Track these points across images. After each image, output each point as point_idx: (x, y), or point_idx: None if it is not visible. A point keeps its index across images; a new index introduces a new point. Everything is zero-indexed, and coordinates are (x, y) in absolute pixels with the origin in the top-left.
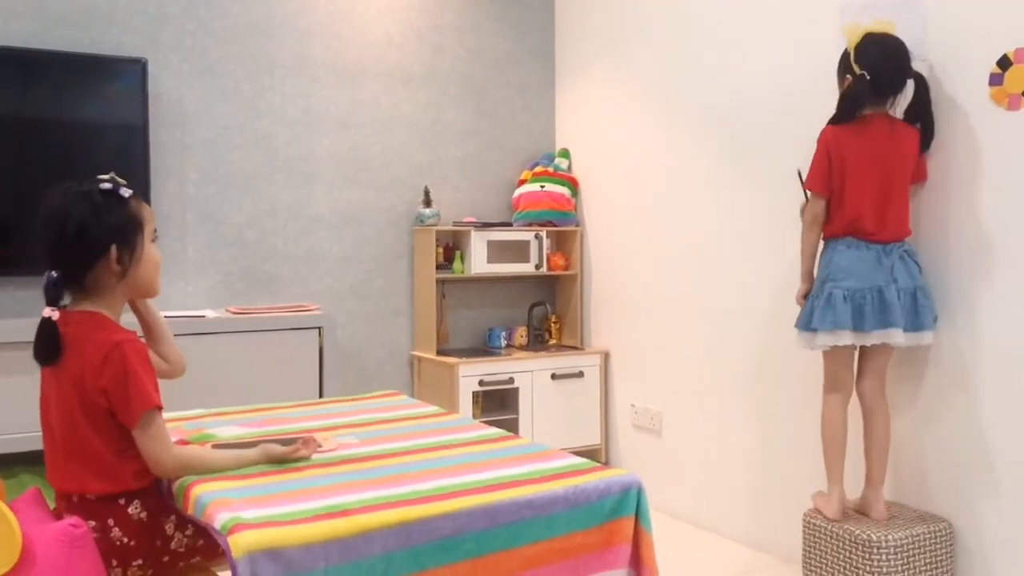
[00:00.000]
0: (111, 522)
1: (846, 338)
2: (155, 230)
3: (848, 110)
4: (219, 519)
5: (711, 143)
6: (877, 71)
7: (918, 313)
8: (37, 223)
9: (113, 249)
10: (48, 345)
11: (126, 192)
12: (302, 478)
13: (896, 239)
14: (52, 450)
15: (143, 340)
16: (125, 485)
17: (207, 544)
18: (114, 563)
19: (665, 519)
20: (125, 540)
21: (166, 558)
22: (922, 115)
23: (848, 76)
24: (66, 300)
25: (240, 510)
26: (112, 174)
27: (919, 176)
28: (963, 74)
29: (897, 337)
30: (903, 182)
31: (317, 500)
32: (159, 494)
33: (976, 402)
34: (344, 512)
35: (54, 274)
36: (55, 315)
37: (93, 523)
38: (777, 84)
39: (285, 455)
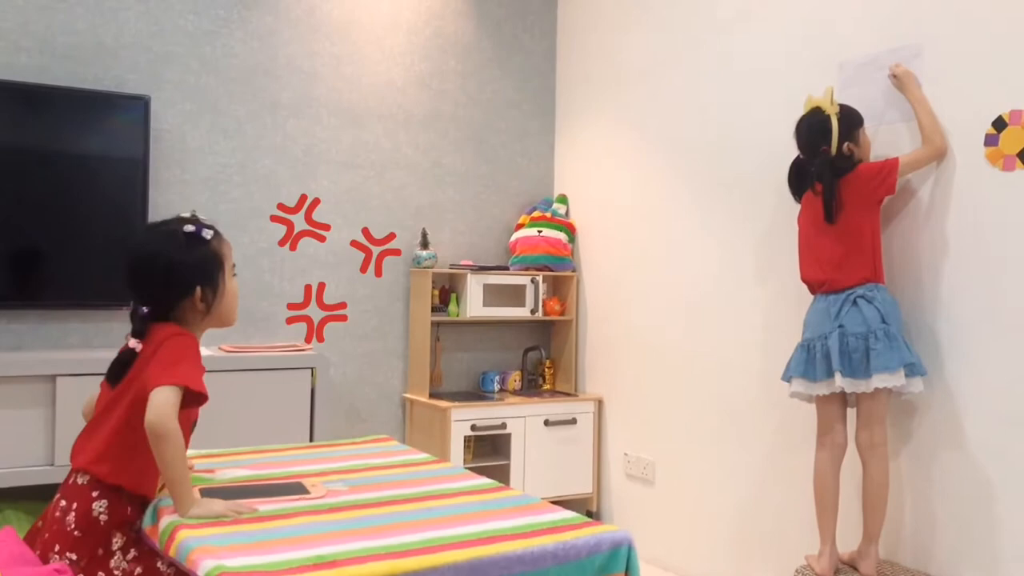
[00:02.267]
0: (74, 506)
1: (798, 385)
2: (234, 264)
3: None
4: (203, 567)
5: (709, 192)
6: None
7: (868, 358)
8: (124, 260)
9: (198, 289)
10: (122, 371)
11: (208, 234)
12: (290, 526)
13: (846, 287)
14: (85, 432)
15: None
16: (114, 478)
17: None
18: (57, 547)
19: (656, 571)
20: (71, 528)
21: (100, 574)
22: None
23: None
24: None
25: (225, 558)
26: (194, 213)
27: (880, 194)
28: (958, 134)
29: (837, 383)
30: (843, 232)
31: (304, 549)
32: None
33: (970, 458)
34: (331, 563)
35: (144, 309)
36: (139, 347)
37: (63, 502)
38: (776, 135)
39: (220, 512)
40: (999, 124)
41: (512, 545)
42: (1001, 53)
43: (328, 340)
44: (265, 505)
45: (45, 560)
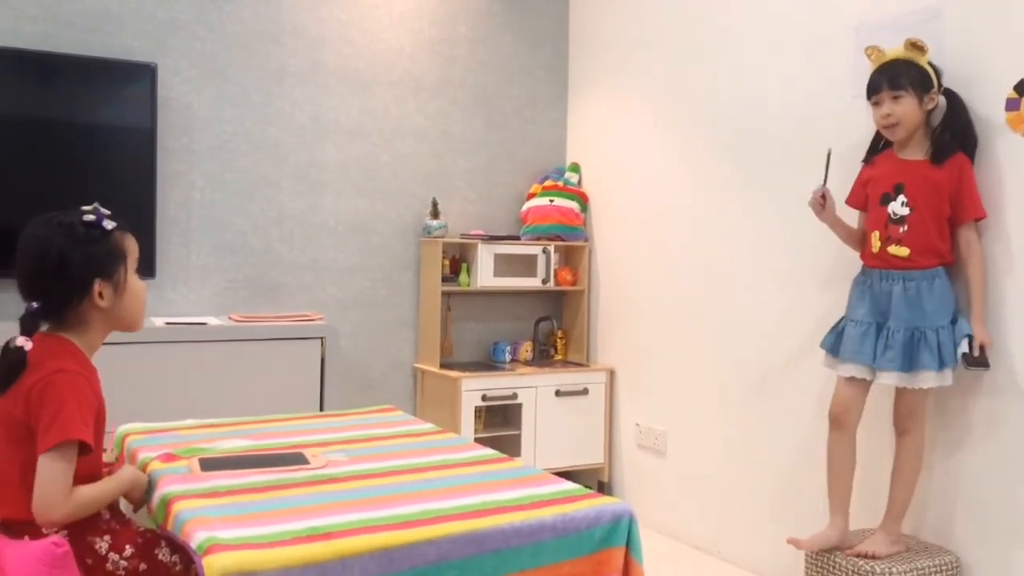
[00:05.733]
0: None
1: (854, 370)
2: (138, 259)
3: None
4: (196, 538)
5: (722, 159)
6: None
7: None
8: (17, 253)
9: (96, 284)
10: (9, 373)
11: (109, 224)
12: (286, 496)
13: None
14: None
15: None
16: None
17: (151, 569)
18: None
19: (666, 541)
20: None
21: None
22: None
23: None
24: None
25: (218, 529)
26: (96, 205)
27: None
28: (978, 99)
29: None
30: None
31: (299, 521)
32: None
33: (989, 434)
34: (325, 535)
35: (34, 305)
36: (28, 345)
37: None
38: (790, 99)
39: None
40: (1021, 88)
41: (510, 517)
42: (1023, 13)
43: (338, 310)
44: (263, 475)
45: None
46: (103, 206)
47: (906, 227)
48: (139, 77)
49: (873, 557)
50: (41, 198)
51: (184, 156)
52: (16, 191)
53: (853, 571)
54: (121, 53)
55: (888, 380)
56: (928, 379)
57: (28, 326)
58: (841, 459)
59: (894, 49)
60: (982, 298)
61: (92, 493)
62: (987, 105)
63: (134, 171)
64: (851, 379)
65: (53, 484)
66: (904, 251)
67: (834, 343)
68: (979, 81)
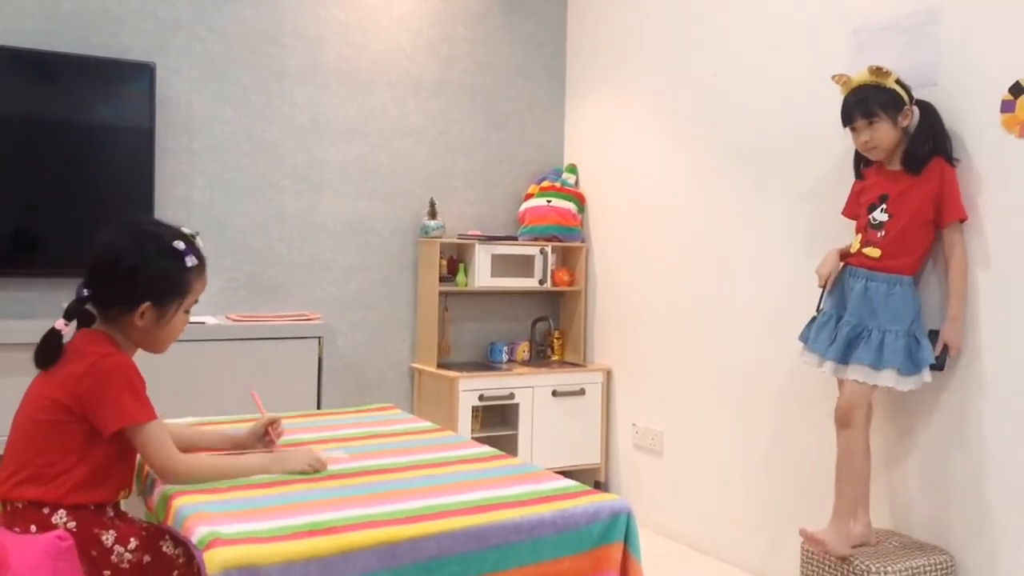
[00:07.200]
0: (33, 528)
1: (890, 379)
2: (197, 301)
3: None
4: (197, 533)
5: (720, 160)
6: None
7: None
8: (97, 242)
9: (144, 305)
10: (48, 353)
11: (191, 262)
12: (287, 492)
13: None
14: (7, 452)
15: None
16: (56, 497)
17: (155, 562)
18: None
19: (663, 541)
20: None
21: (107, 572)
22: None
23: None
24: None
25: (219, 524)
26: (196, 234)
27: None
28: (974, 100)
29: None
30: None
31: (300, 516)
32: (96, 511)
33: (980, 433)
34: (327, 530)
35: (85, 292)
36: (66, 329)
37: (17, 529)
38: (789, 100)
39: (300, 470)
40: (1016, 90)
41: (510, 513)
42: (1019, 16)
43: (336, 310)
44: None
45: None
46: (103, 206)
47: (883, 232)
48: (138, 76)
49: (822, 544)
50: (40, 197)
51: (183, 156)
52: (15, 191)
53: (849, 571)
54: (120, 52)
55: (827, 370)
56: (858, 372)
57: (72, 310)
58: (858, 457)
59: (859, 75)
60: (959, 299)
61: (205, 459)
62: (983, 107)
63: (133, 170)
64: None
65: (161, 450)
66: (876, 252)
67: (804, 332)
68: (975, 83)
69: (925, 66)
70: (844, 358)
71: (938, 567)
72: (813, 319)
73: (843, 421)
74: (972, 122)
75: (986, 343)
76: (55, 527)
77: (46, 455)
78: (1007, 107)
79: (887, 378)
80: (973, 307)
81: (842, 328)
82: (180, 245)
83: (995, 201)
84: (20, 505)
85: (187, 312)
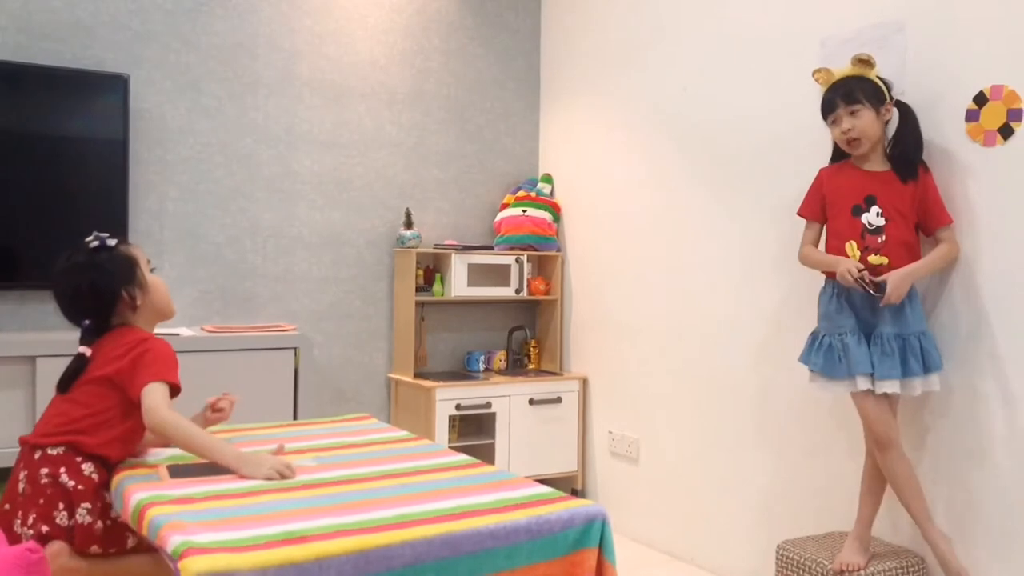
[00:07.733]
0: (63, 470)
1: (892, 387)
2: (149, 261)
3: None
4: (171, 543)
5: (694, 170)
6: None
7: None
8: (56, 297)
9: (123, 292)
10: (73, 375)
11: (112, 242)
12: (259, 503)
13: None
14: (48, 411)
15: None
16: (94, 445)
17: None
18: (60, 506)
19: (640, 548)
20: (74, 484)
21: (109, 521)
22: None
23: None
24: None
25: (193, 534)
26: (95, 233)
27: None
28: (939, 110)
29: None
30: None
31: (274, 525)
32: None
33: (951, 437)
34: (301, 539)
35: (87, 322)
36: (88, 352)
37: (46, 470)
38: (759, 111)
39: (266, 476)
40: (980, 99)
41: (485, 520)
42: (983, 27)
43: (311, 321)
44: (235, 482)
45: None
46: (76, 218)
47: (884, 237)
48: (112, 88)
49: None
50: (12, 210)
51: (157, 167)
52: None
53: (823, 574)
54: (93, 64)
55: (889, 388)
56: (917, 386)
57: (88, 338)
58: (911, 470)
59: (842, 68)
60: (928, 263)
61: (184, 423)
62: (948, 116)
63: (106, 182)
64: (882, 395)
65: (159, 400)
66: (884, 260)
67: (826, 363)
68: (940, 93)
69: (892, 76)
70: (903, 374)
71: (909, 569)
72: (817, 342)
73: (885, 443)
74: (937, 131)
75: (962, 351)
76: (82, 474)
77: (91, 409)
78: (972, 116)
79: (934, 383)
80: (950, 316)
81: (890, 342)
82: (94, 242)
83: (960, 210)
84: (56, 451)
85: (152, 271)
